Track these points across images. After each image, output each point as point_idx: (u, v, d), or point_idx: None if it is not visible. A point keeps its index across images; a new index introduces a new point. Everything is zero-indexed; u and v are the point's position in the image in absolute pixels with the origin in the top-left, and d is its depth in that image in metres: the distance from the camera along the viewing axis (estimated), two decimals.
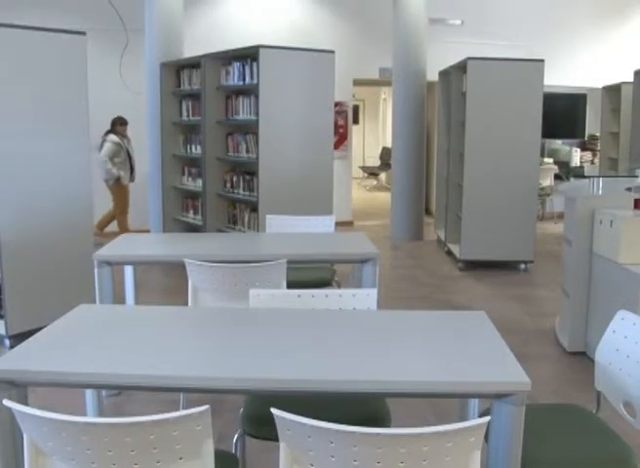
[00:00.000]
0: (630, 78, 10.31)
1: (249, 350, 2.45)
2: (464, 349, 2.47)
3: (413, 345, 2.54)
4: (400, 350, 2.47)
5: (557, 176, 12.40)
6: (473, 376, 2.21)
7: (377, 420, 2.73)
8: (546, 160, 12.41)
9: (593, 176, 7.47)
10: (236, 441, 2.78)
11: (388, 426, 2.70)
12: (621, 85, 11.32)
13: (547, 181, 12.12)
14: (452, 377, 2.20)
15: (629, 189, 5.82)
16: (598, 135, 12.77)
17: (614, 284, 4.95)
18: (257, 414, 2.73)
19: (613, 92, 11.79)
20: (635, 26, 10.56)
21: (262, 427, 2.68)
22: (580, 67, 12.75)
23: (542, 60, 8.10)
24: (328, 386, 2.18)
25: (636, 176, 6.68)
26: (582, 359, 5.22)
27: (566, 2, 12.79)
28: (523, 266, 8.33)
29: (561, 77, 12.13)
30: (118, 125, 9.48)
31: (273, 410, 1.86)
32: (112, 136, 9.38)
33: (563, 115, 12.79)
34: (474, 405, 2.81)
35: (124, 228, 9.46)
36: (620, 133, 11.45)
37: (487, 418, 1.86)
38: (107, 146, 9.32)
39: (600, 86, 12.26)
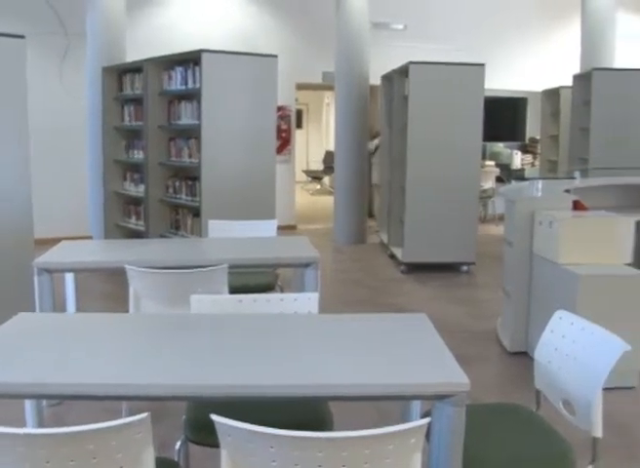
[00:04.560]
0: (569, 82, 10.50)
1: (190, 356, 2.43)
2: (405, 351, 2.49)
3: (353, 348, 2.54)
4: (341, 353, 2.48)
5: (499, 179, 12.56)
6: (413, 378, 2.22)
7: (318, 424, 2.73)
8: (488, 163, 12.57)
9: (533, 179, 7.60)
10: (179, 448, 2.76)
11: (330, 430, 2.70)
12: (560, 89, 11.52)
13: (489, 184, 12.27)
14: (392, 380, 2.21)
15: (568, 191, 5.93)
16: (538, 137, 12.99)
17: (553, 284, 5.03)
18: (198, 421, 2.71)
19: (552, 95, 12.00)
20: (573, 32, 10.75)
21: (204, 433, 2.65)
22: (520, 71, 12.94)
23: (483, 65, 8.20)
24: (268, 391, 2.18)
25: (574, 178, 6.81)
26: (524, 358, 5.29)
27: (508, 8, 12.97)
28: (465, 268, 8.42)
29: (502, 81, 12.29)
30: None
31: (213, 417, 1.85)
32: None
33: (504, 118, 12.98)
34: (417, 406, 2.83)
35: None
36: (559, 135, 11.65)
37: (426, 420, 1.87)
38: None
39: (540, 90, 12.47)
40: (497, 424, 2.74)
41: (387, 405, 3.87)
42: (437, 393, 2.17)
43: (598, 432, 2.46)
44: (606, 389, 2.51)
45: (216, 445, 1.95)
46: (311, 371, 2.29)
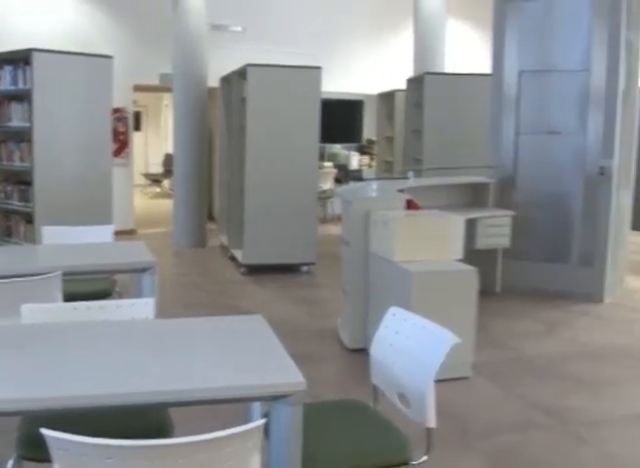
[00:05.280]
0: (403, 85, 10.83)
1: (19, 369, 2.33)
2: (242, 353, 2.49)
3: (190, 352, 2.52)
4: (177, 358, 2.45)
5: (337, 180, 12.79)
6: (249, 380, 2.22)
7: (158, 431, 2.68)
8: (326, 164, 12.77)
9: (369, 179, 7.78)
10: (12, 466, 2.64)
11: (170, 436, 2.67)
12: (395, 92, 11.87)
13: (328, 185, 12.47)
14: (227, 383, 2.20)
15: (402, 191, 6.11)
16: (375, 139, 13.32)
17: (389, 281, 5.17)
18: (31, 436, 2.60)
19: (387, 98, 12.35)
20: (407, 37, 11.10)
21: (38, 449, 2.54)
22: (357, 74, 13.23)
23: (320, 68, 8.33)
24: (103, 401, 2.11)
25: (408, 178, 7.02)
26: (363, 355, 5.39)
27: (345, 12, 13.23)
28: (305, 268, 8.52)
29: (340, 84, 12.52)
30: None
31: (43, 431, 1.78)
32: None
33: (342, 120, 13.21)
34: (257, 408, 2.83)
35: None
36: (394, 137, 12.00)
37: (261, 421, 1.88)
38: None
39: (376, 92, 12.79)
40: (335, 421, 2.78)
41: (229, 408, 3.86)
42: (273, 394, 2.18)
43: (432, 423, 2.55)
44: (441, 381, 2.61)
45: (50, 460, 1.88)
46: (147, 378, 2.25)
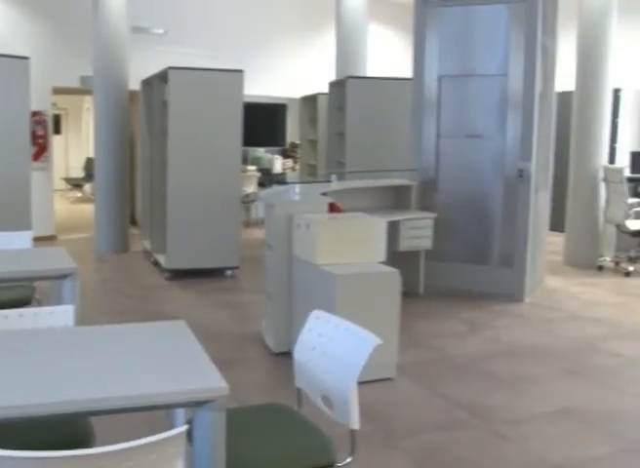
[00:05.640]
0: (326, 89, 10.88)
1: None
2: (163, 360, 2.46)
3: (111, 360, 2.48)
4: (97, 366, 2.40)
5: (261, 184, 12.78)
6: (170, 387, 2.20)
7: (79, 441, 2.63)
8: (250, 168, 12.74)
9: (292, 183, 7.78)
10: None
11: (91, 446, 2.62)
12: (318, 95, 11.91)
13: (251, 188, 12.45)
14: (148, 390, 2.17)
15: (325, 194, 6.13)
16: (298, 142, 13.34)
17: (313, 284, 5.18)
18: None
19: (310, 102, 12.39)
20: (330, 41, 11.16)
21: None
22: (281, 78, 13.23)
23: (242, 71, 8.30)
24: (16, 412, 2.04)
25: (331, 182, 7.05)
26: (288, 358, 5.37)
27: (269, 16, 13.22)
28: (229, 272, 8.48)
29: (263, 87, 12.51)
30: None
31: None
32: None
33: (265, 124, 13.20)
34: (181, 414, 2.81)
35: None
36: (317, 140, 12.04)
37: (183, 428, 1.86)
38: None
39: (299, 96, 12.82)
40: (259, 425, 2.77)
41: (154, 414, 3.82)
42: (196, 399, 2.16)
43: (355, 424, 2.56)
44: (365, 382, 2.63)
45: None
46: (66, 387, 2.20)
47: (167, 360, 2.46)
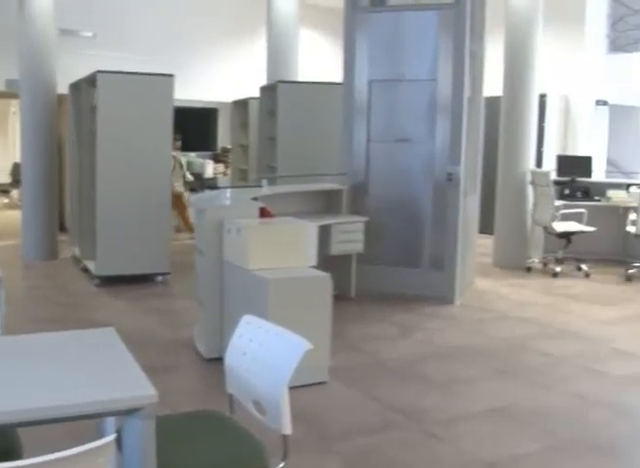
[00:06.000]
0: (257, 93, 10.85)
1: None
2: (91, 368, 2.42)
3: (37, 369, 2.42)
4: (24, 376, 2.35)
5: (193, 189, 12.67)
6: (98, 396, 2.16)
7: (8, 453, 2.57)
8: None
9: (223, 187, 7.73)
10: None
11: (19, 458, 2.56)
12: (249, 100, 11.87)
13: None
14: (75, 399, 2.13)
15: (256, 198, 6.12)
16: (230, 147, 13.28)
17: (245, 290, 5.16)
18: None
19: (241, 106, 12.34)
20: (261, 46, 11.14)
21: None
22: (212, 82, 13.16)
23: (172, 75, 8.23)
24: None
25: (262, 186, 7.03)
26: (220, 364, 5.33)
27: (201, 20, 13.16)
28: (160, 278, 8.38)
29: (195, 92, 12.43)
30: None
31: None
32: None
33: (196, 128, 13.11)
34: (111, 423, 2.76)
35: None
36: (249, 145, 12.00)
37: (111, 437, 1.83)
38: None
39: (230, 100, 12.77)
40: (191, 432, 2.75)
41: (84, 423, 3.75)
42: (124, 408, 2.13)
43: (287, 429, 2.55)
44: (298, 387, 2.63)
45: None
46: None
47: (95, 368, 2.42)
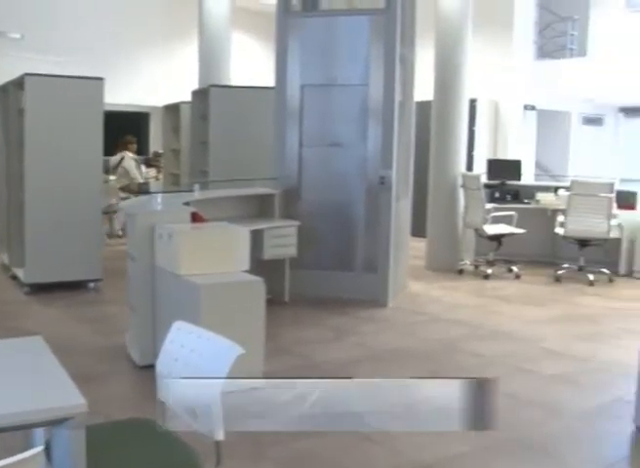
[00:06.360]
0: (188, 98, 10.78)
1: None
2: (18, 378, 2.38)
3: None
4: None
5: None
6: (24, 406, 2.12)
7: None
8: (112, 177, 12.44)
9: (155, 192, 7.66)
10: None
11: None
12: (181, 104, 11.80)
13: (114, 199, 12.16)
14: (2, 410, 2.09)
15: (187, 203, 6.08)
16: (162, 151, 13.17)
17: (177, 295, 5.12)
18: None
19: (173, 110, 12.25)
20: (193, 50, 11.07)
21: None
22: (144, 86, 13.04)
23: (102, 79, 8.11)
24: None
25: (194, 191, 6.99)
26: (154, 371, 5.30)
27: (131, 24, 13.04)
28: (92, 285, 8.24)
29: (126, 96, 12.30)
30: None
31: None
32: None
33: (128, 133, 12.93)
34: (40, 434, 2.71)
35: None
36: (181, 149, 11.92)
37: (39, 449, 1.80)
38: None
39: (162, 105, 12.67)
40: (123, 441, 2.72)
41: (15, 434, 3.68)
42: (52, 418, 2.09)
43: (220, 436, 2.54)
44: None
45: None
46: None
47: (22, 378, 2.38)
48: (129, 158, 11.85)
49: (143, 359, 5.47)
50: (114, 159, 11.92)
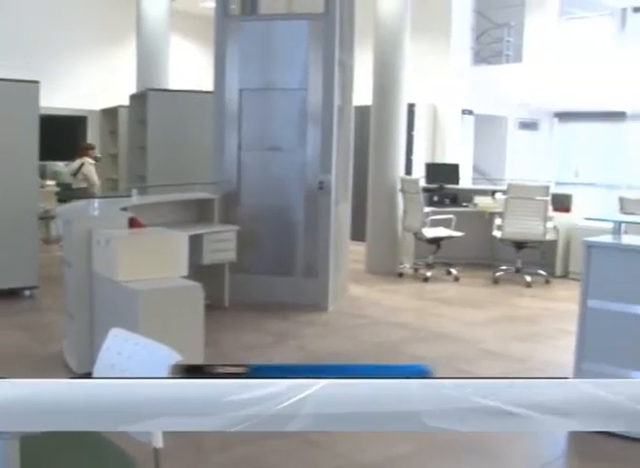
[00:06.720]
0: (127, 101, 10.68)
1: None
2: None
3: None
4: None
5: (61, 199, 12.31)
6: None
7: None
8: (49, 182, 12.24)
9: (92, 197, 7.54)
10: None
11: None
12: (119, 108, 11.69)
13: (51, 204, 11.96)
14: None
15: (125, 209, 6.01)
16: (99, 156, 13.00)
17: (115, 302, 5.05)
18: None
19: (111, 114, 12.14)
20: (131, 54, 10.94)
21: None
22: (81, 90, 12.86)
23: (37, 82, 7.96)
24: None
25: (132, 196, 6.92)
26: None
27: (67, 26, 12.85)
28: (28, 292, 8.07)
29: (62, 99, 12.11)
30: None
31: None
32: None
33: (65, 137, 12.74)
34: None
35: None
36: (119, 154, 11.81)
37: None
38: None
39: (99, 108, 12.52)
40: (59, 449, 2.67)
41: None
42: None
43: (159, 443, 2.51)
44: None
45: None
46: None
47: None
48: (88, 164, 11.63)
49: (81, 367, 5.39)
50: (74, 165, 11.71)
